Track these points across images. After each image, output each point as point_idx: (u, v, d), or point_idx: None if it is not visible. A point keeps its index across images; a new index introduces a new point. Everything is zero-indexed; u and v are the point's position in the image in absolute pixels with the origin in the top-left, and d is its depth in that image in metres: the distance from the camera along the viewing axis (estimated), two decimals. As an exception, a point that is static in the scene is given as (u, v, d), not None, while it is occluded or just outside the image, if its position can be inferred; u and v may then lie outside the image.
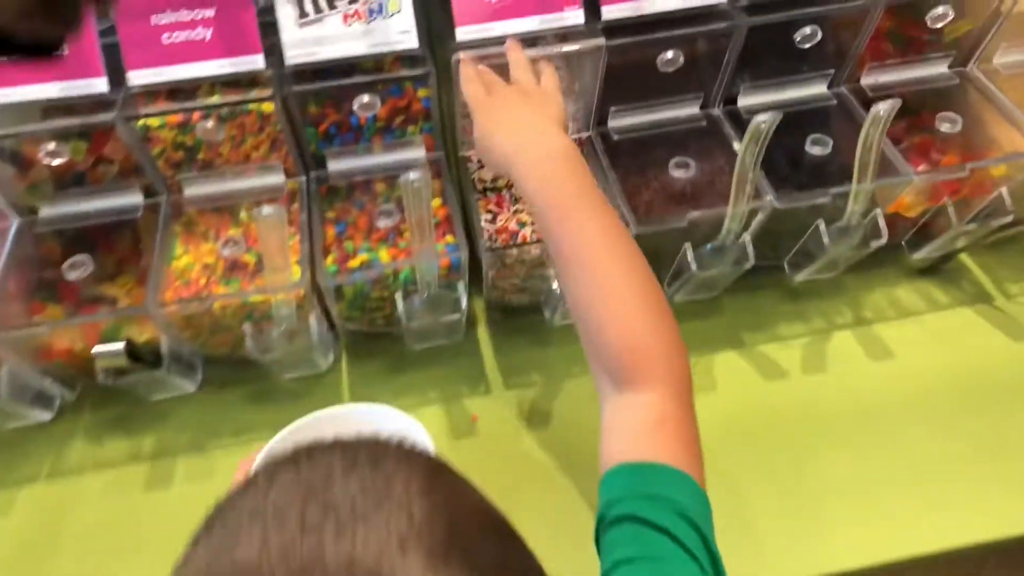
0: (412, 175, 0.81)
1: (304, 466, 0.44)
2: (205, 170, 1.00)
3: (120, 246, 1.02)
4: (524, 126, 0.84)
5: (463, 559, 0.40)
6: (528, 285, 1.06)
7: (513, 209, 1.04)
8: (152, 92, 0.94)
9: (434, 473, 0.45)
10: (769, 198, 0.97)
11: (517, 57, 0.92)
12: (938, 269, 1.16)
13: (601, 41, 0.93)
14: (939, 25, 1.02)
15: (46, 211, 1.00)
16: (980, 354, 1.05)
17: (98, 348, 0.88)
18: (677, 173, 1.02)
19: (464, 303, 0.99)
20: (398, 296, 0.98)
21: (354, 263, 0.96)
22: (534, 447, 1.00)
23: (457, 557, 0.40)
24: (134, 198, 1.01)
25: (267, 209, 0.81)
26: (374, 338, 1.10)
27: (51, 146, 0.92)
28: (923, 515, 0.91)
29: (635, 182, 1.03)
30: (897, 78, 1.10)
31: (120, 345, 0.87)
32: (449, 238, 0.99)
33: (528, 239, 1.00)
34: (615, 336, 0.70)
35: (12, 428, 1.02)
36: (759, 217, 0.99)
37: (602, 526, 0.63)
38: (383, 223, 0.99)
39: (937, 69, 1.11)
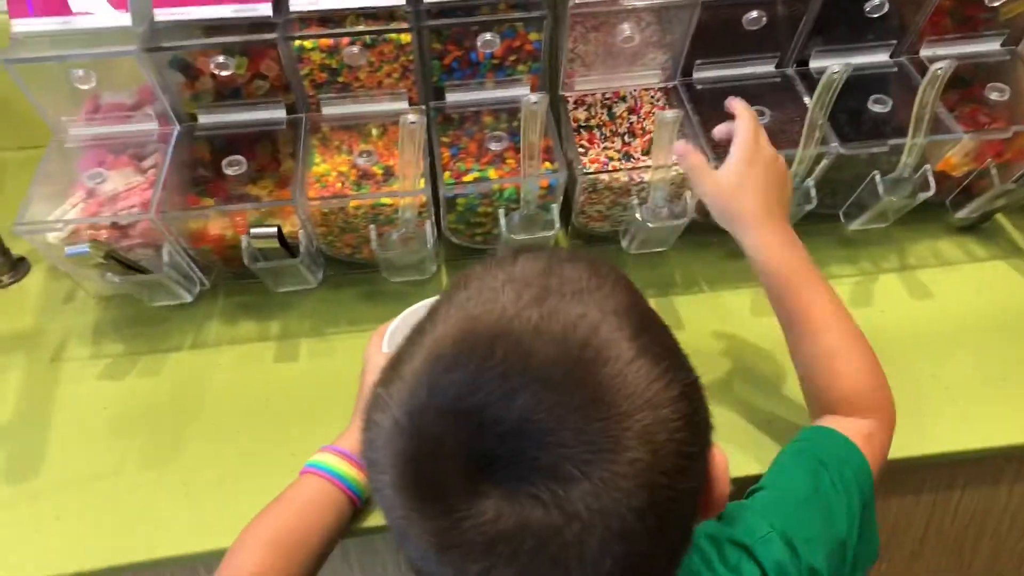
0: (533, 97, 0.96)
1: (541, 253, 0.60)
2: (342, 92, 1.15)
3: (262, 154, 1.17)
4: (774, 193, 0.96)
5: (652, 337, 0.55)
6: (611, 213, 1.20)
7: (602, 146, 1.19)
8: (305, 19, 1.09)
9: (631, 283, 0.60)
10: (835, 144, 1.10)
11: (752, 117, 0.99)
12: (977, 228, 1.29)
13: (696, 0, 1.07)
14: (995, 4, 1.15)
15: (204, 118, 1.16)
16: (1010, 298, 1.18)
17: (254, 230, 1.04)
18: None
19: (557, 222, 1.13)
20: (501, 212, 1.13)
21: (468, 179, 1.11)
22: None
23: (649, 335, 0.54)
24: (278, 112, 1.17)
25: (412, 116, 0.96)
26: (471, 253, 1.25)
27: (220, 59, 1.07)
28: (961, 421, 1.05)
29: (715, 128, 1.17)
30: (953, 51, 1.23)
31: (273, 229, 1.03)
32: (547, 165, 1.14)
33: (617, 168, 1.14)
34: (845, 388, 0.88)
35: (159, 305, 1.18)
36: (823, 163, 1.12)
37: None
38: (493, 146, 1.14)
39: (991, 46, 1.24)
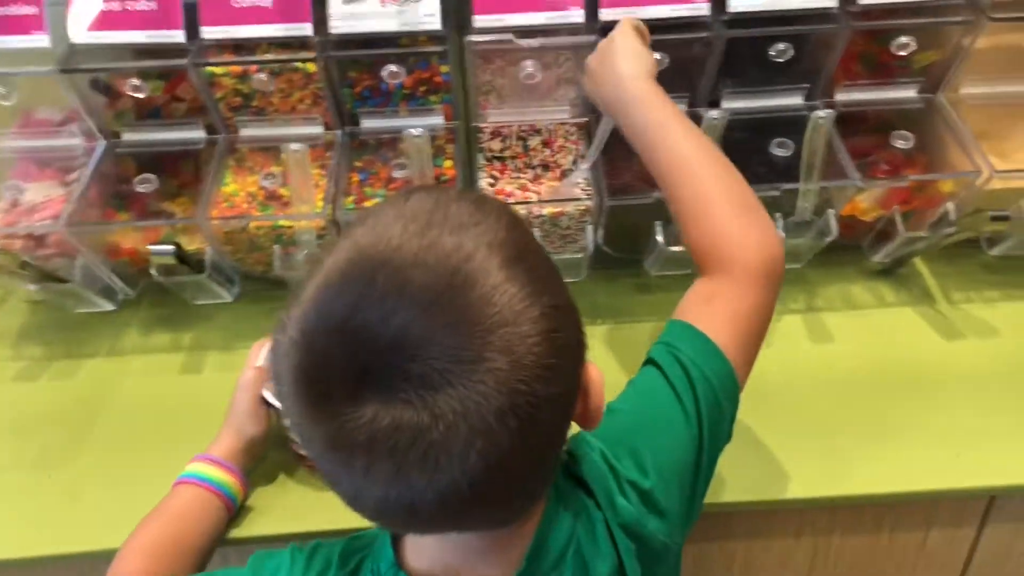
0: (414, 131, 1.00)
1: (432, 190, 0.66)
2: (258, 116, 1.20)
3: (185, 172, 1.23)
4: (640, 55, 1.00)
5: (525, 267, 0.61)
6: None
7: (512, 176, 1.21)
8: (220, 46, 1.14)
9: (516, 219, 0.66)
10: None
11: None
12: (893, 272, 1.29)
13: (594, 39, 1.09)
14: (903, 53, 1.15)
15: (128, 136, 1.21)
16: (907, 348, 1.18)
17: (153, 247, 1.08)
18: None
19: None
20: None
21: (370, 203, 1.15)
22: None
23: (522, 264, 0.60)
24: (197, 133, 1.22)
25: (295, 145, 1.00)
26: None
27: (136, 82, 1.12)
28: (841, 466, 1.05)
29: (620, 165, 1.19)
30: (868, 97, 1.23)
31: (170, 247, 1.08)
32: (454, 194, 1.17)
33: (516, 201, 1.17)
34: (701, 233, 0.88)
35: (83, 312, 1.23)
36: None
37: None
38: (397, 174, 1.17)
39: (906, 93, 1.24)
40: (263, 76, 1.13)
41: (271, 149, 1.22)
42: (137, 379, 1.19)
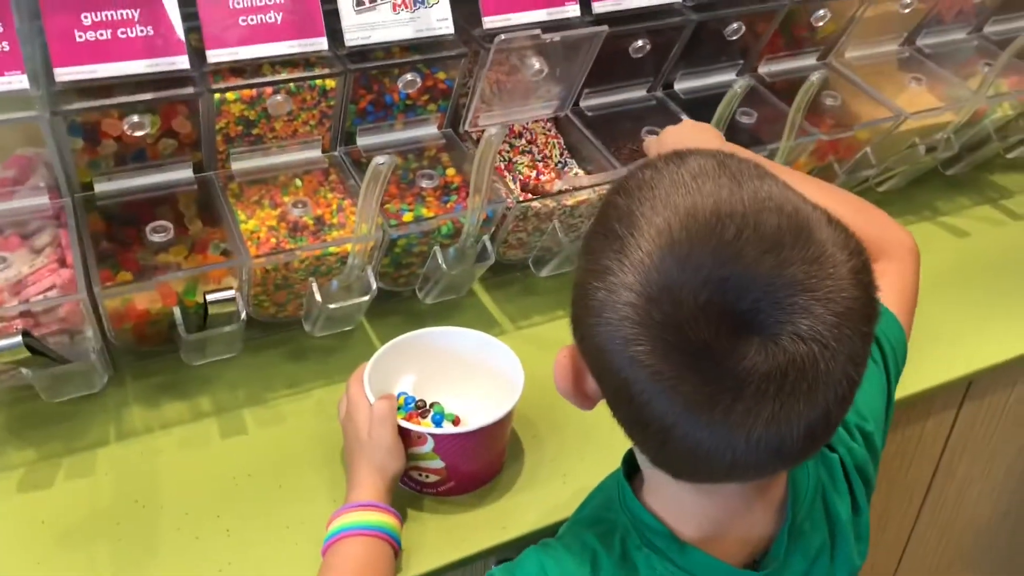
0: (492, 130, 0.98)
1: (688, 154, 0.67)
2: (252, 145, 1.10)
3: (166, 220, 1.09)
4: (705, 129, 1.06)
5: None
6: (530, 240, 1.24)
7: (512, 176, 1.23)
8: (218, 71, 1.03)
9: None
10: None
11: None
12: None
13: (604, 29, 1.14)
14: (820, 24, 1.34)
15: (101, 186, 1.06)
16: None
17: (212, 295, 0.96)
18: (649, 138, 1.26)
19: (493, 253, 1.16)
20: (436, 248, 1.13)
21: (407, 218, 1.11)
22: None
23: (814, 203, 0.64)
24: (185, 172, 1.09)
25: (380, 158, 0.94)
26: (392, 297, 1.23)
27: (135, 118, 0.99)
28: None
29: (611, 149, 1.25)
30: (783, 67, 1.41)
31: (231, 292, 0.96)
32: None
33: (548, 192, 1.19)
34: (866, 221, 0.88)
35: (57, 401, 1.05)
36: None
37: None
38: (424, 184, 1.14)
39: (808, 61, 1.43)
40: (279, 97, 1.04)
41: (267, 180, 1.13)
42: (176, 455, 1.04)
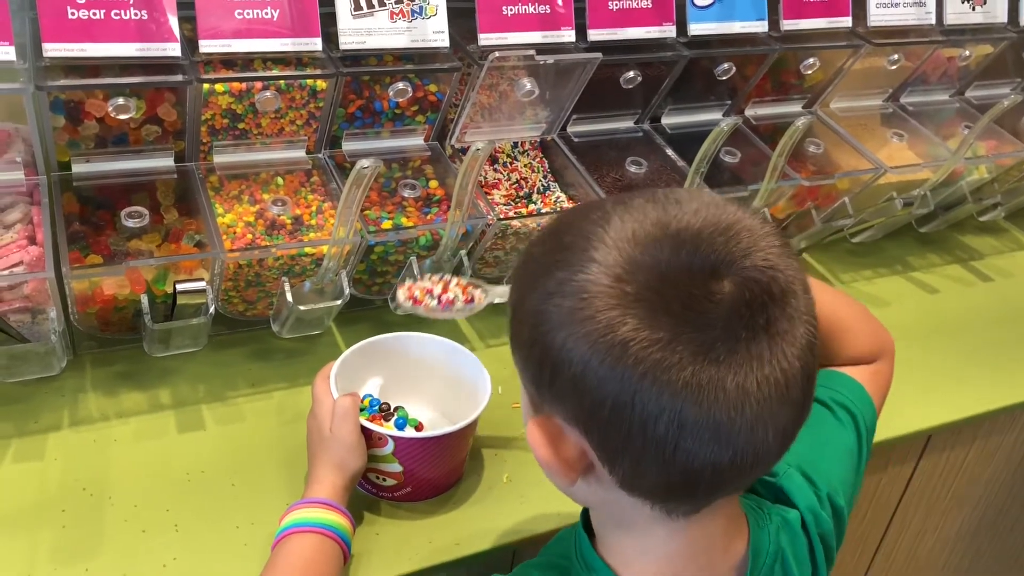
0: (364, 162, 0.93)
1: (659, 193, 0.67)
2: (237, 140, 1.09)
3: (142, 207, 1.07)
4: None
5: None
6: (507, 258, 1.24)
7: (498, 193, 1.23)
8: (210, 61, 1.03)
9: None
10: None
11: None
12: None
13: (597, 56, 1.15)
14: (808, 72, 1.36)
15: (80, 167, 1.04)
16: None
17: (182, 285, 0.95)
18: (632, 168, 1.27)
19: (469, 267, 1.15)
20: (413, 259, 1.13)
21: (386, 225, 1.10)
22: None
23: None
24: (166, 161, 1.08)
25: (365, 161, 0.93)
26: (363, 305, 1.22)
27: (120, 101, 0.98)
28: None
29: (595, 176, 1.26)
30: (770, 111, 1.43)
31: (202, 283, 0.95)
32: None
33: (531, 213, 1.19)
34: (872, 331, 0.96)
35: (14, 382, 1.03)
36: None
37: None
38: (407, 193, 1.14)
39: (794, 108, 1.45)
40: (268, 93, 1.04)
41: (248, 175, 1.12)
42: (130, 446, 1.02)
